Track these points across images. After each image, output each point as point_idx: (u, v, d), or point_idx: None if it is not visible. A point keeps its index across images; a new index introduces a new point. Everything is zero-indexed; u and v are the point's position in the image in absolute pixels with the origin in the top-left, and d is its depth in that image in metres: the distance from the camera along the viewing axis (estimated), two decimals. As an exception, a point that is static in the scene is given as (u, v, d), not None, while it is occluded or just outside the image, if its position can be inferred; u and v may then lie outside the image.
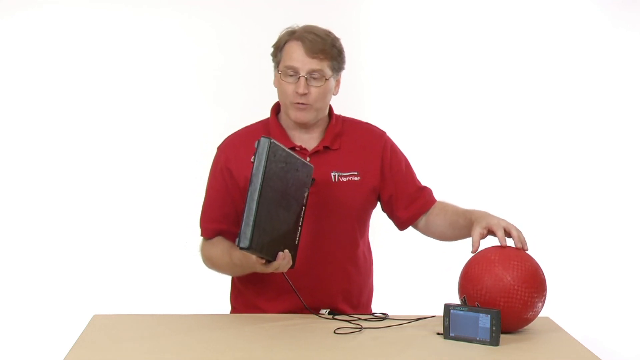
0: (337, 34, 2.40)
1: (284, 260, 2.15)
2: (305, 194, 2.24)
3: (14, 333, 4.01)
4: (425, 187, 2.51)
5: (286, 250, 2.16)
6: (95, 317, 2.31)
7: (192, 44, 4.10)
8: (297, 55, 2.32)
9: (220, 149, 2.45)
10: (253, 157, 2.09)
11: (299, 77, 2.31)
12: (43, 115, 4.04)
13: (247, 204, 2.06)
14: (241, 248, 2.06)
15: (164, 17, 4.09)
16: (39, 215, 4.05)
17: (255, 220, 2.04)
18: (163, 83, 4.09)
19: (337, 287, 2.42)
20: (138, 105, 4.09)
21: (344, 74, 2.42)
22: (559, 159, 4.26)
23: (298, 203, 2.21)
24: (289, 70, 2.32)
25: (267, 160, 2.07)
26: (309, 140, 2.41)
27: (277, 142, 2.11)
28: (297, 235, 2.22)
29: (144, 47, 4.08)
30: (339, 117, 2.47)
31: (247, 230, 2.04)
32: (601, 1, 4.25)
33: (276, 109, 2.46)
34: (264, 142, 2.08)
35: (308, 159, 2.37)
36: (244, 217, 2.05)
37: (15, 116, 4.04)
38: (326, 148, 2.40)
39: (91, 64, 4.05)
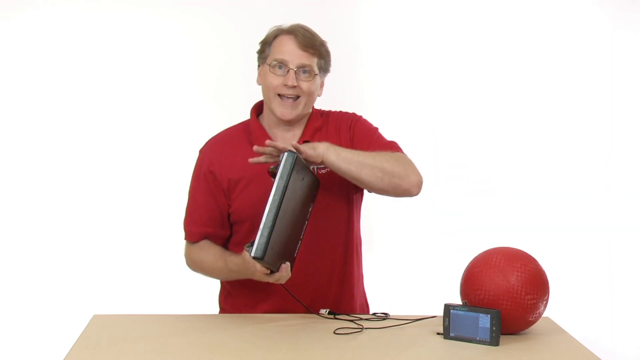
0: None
1: (284, 273, 2.16)
2: (310, 209, 2.25)
3: (14, 333, 4.01)
4: (388, 143, 2.40)
5: (287, 263, 2.17)
6: (95, 317, 2.31)
7: (192, 44, 4.10)
8: (288, 48, 2.31)
9: (203, 152, 2.44)
10: (274, 167, 2.10)
11: (288, 70, 2.30)
12: (43, 116, 4.04)
13: (265, 215, 2.06)
14: (254, 257, 2.06)
15: (164, 17, 4.08)
16: (39, 215, 4.05)
17: (270, 233, 2.06)
18: (163, 83, 4.09)
19: (325, 280, 2.40)
20: (138, 105, 4.09)
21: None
22: (559, 159, 4.26)
23: (304, 217, 2.23)
24: (278, 63, 2.31)
25: (289, 176, 2.07)
26: (291, 138, 2.39)
27: (300, 157, 2.11)
28: (297, 248, 2.23)
29: (144, 47, 4.08)
30: (319, 111, 2.46)
31: (262, 241, 2.05)
32: (601, 1, 4.25)
33: (256, 109, 2.45)
34: (290, 157, 2.08)
35: None
36: (261, 227, 2.06)
37: (14, 117, 4.03)
38: (306, 142, 2.37)
39: (91, 65, 4.05)
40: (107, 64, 4.05)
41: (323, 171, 2.36)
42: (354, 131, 2.42)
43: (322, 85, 2.41)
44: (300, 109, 2.35)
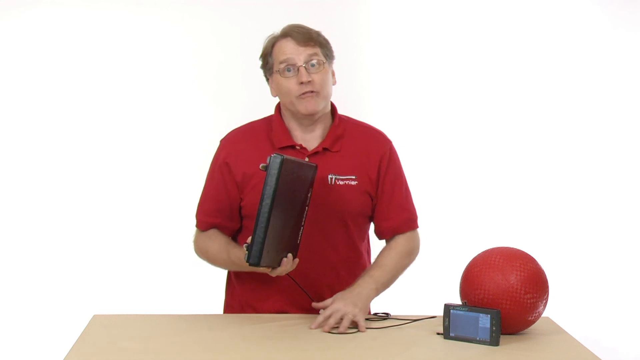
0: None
1: (287, 266, 2.17)
2: (309, 194, 2.24)
3: (14, 333, 4.01)
4: (407, 210, 2.46)
5: (289, 255, 2.17)
6: (95, 317, 2.31)
7: (192, 44, 4.10)
8: (290, 49, 2.32)
9: (222, 142, 2.45)
10: (263, 166, 2.08)
11: (298, 68, 2.31)
12: (42, 116, 4.04)
13: (257, 221, 2.05)
14: (250, 264, 2.07)
15: (163, 17, 4.09)
16: (39, 215, 4.05)
17: (264, 238, 2.05)
18: (163, 83, 4.09)
19: (327, 288, 2.39)
20: (138, 105, 4.09)
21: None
22: (559, 159, 4.26)
23: (302, 204, 2.22)
24: (286, 65, 2.31)
25: (278, 180, 2.06)
26: (311, 140, 2.39)
27: (288, 157, 2.10)
28: (299, 234, 2.23)
29: (143, 47, 4.08)
30: (342, 117, 2.45)
31: (256, 248, 2.05)
32: (601, 1, 4.25)
33: (280, 108, 2.45)
34: (276, 160, 2.06)
35: (307, 159, 2.36)
36: (254, 234, 2.06)
37: (14, 116, 4.04)
38: (325, 149, 2.38)
39: (90, 64, 4.05)
40: (106, 63, 4.06)
41: (341, 182, 2.37)
42: (385, 173, 2.41)
43: (333, 73, 2.40)
44: (321, 101, 2.34)
